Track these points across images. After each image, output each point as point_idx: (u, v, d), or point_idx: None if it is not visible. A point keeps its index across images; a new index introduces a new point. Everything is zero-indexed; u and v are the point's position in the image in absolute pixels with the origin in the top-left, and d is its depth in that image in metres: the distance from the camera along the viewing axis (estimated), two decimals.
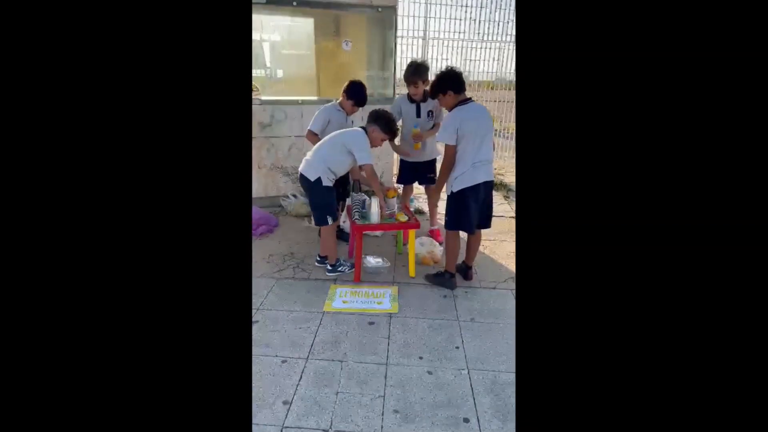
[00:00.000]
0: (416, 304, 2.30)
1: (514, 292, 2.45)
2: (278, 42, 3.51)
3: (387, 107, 3.02)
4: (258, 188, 3.70)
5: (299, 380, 1.70)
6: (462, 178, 2.25)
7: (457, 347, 1.94)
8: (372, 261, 2.66)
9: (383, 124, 2.47)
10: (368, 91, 3.14)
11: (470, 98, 2.26)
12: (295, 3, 3.28)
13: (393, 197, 2.69)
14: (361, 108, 2.84)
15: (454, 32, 4.47)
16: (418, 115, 2.86)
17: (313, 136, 2.72)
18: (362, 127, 2.48)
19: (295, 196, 3.69)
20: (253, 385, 1.63)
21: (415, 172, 3.06)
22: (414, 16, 4.19)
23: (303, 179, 2.41)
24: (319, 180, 2.38)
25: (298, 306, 2.25)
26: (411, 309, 2.25)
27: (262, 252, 2.92)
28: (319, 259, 2.72)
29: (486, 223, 2.41)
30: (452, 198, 2.31)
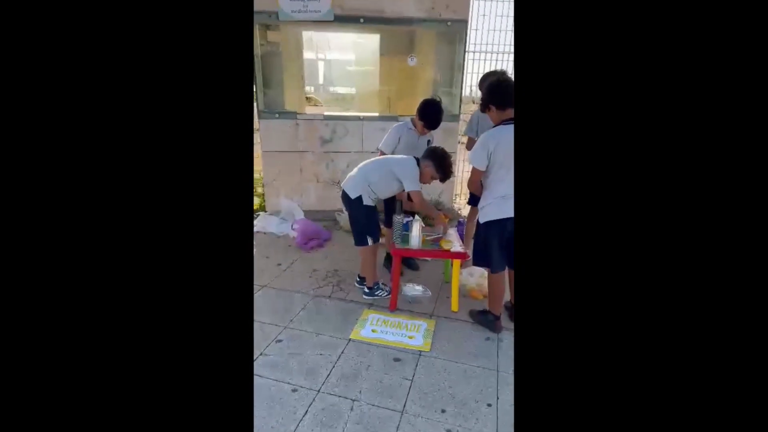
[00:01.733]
0: (452, 343, 2.05)
1: None
2: (343, 58, 3.55)
3: (455, 125, 2.85)
4: (314, 201, 3.75)
5: (304, 415, 1.58)
6: (488, 210, 1.98)
7: (490, 405, 1.66)
8: (412, 288, 2.47)
9: (438, 163, 2.27)
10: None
11: None
12: (362, 20, 3.28)
13: (445, 222, 2.48)
14: (433, 130, 2.63)
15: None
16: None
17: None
18: (416, 158, 2.34)
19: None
20: (255, 413, 1.55)
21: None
22: (485, 30, 3.96)
23: (344, 196, 2.34)
24: (359, 198, 2.28)
25: (326, 329, 2.15)
26: (445, 349, 2.01)
27: (307, 266, 2.90)
28: (358, 279, 2.61)
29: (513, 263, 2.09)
30: (478, 230, 2.06)
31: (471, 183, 2.03)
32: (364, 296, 2.48)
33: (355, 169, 2.38)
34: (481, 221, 2.01)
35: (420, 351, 1.98)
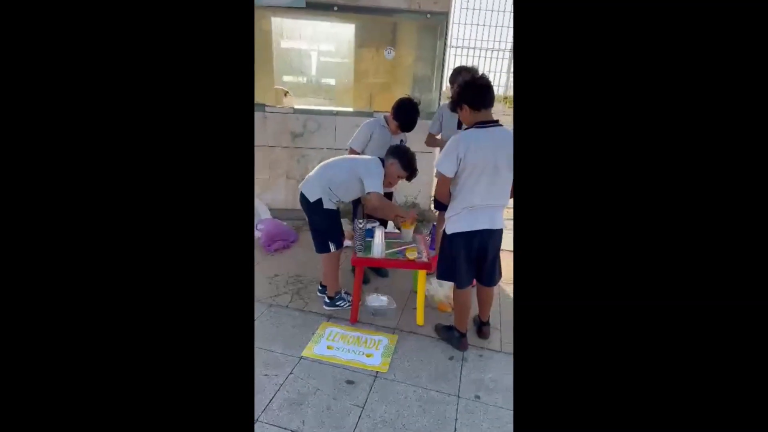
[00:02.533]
0: (413, 363, 1.89)
1: None
2: (315, 48, 3.34)
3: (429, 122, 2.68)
4: (284, 199, 3.54)
5: None
6: (455, 221, 1.81)
7: None
8: (376, 299, 2.30)
9: (403, 159, 2.12)
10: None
11: (495, 121, 1.75)
12: (336, 8, 3.07)
13: (410, 228, 2.31)
14: (406, 132, 2.47)
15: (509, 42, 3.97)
16: (459, 126, 2.43)
17: (354, 153, 2.46)
18: (381, 159, 2.17)
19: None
20: None
21: None
22: (465, 24, 3.78)
23: (302, 199, 2.15)
24: (319, 201, 2.09)
25: (277, 344, 1.97)
26: (404, 370, 1.85)
27: (268, 270, 2.71)
28: (320, 288, 2.43)
29: (487, 280, 1.94)
30: (444, 241, 1.89)
31: (438, 192, 1.85)
32: (325, 307, 2.30)
33: (315, 170, 2.19)
34: (448, 232, 1.84)
35: (376, 372, 1.82)
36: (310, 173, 2.19)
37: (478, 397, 1.71)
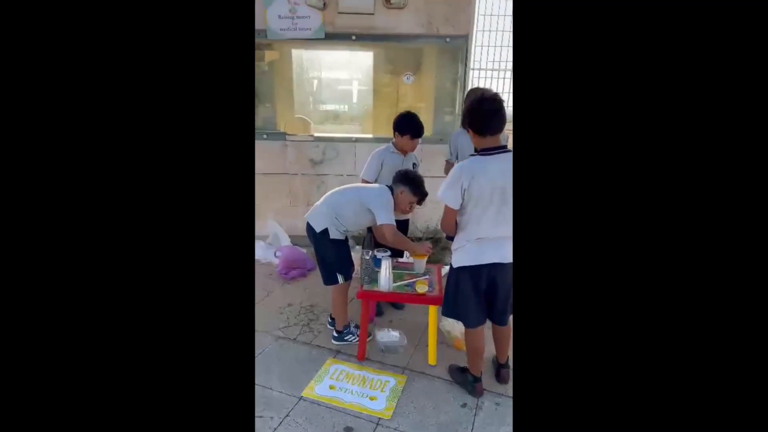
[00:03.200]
0: (420, 410, 1.73)
1: None
2: (335, 77, 3.37)
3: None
4: (304, 226, 3.52)
5: None
6: (460, 254, 1.66)
7: None
8: (387, 335, 2.16)
9: (413, 185, 2.03)
10: (435, 129, 2.71)
11: (503, 146, 1.59)
12: (354, 37, 3.10)
13: (422, 259, 2.18)
14: (420, 141, 2.40)
15: None
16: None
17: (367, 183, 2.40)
18: (389, 187, 2.08)
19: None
20: None
21: None
22: (488, 46, 3.69)
23: (308, 229, 2.09)
24: (325, 232, 2.03)
25: (278, 382, 1.87)
26: (410, 417, 1.68)
27: (281, 300, 2.66)
28: (330, 320, 2.34)
29: (499, 318, 1.76)
30: (450, 275, 1.73)
31: (445, 224, 1.70)
32: (333, 341, 2.19)
33: (322, 199, 2.13)
34: (453, 266, 1.69)
35: (378, 418, 1.67)
36: (317, 202, 2.13)
37: None
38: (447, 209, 1.63)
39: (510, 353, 1.91)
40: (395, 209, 2.04)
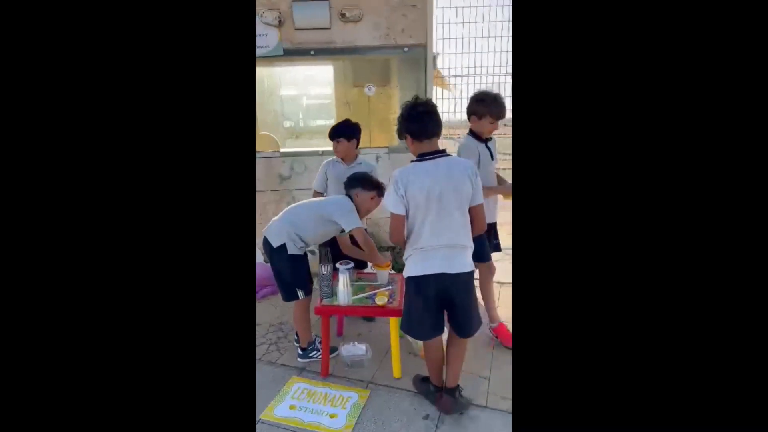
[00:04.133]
0: (380, 425, 1.69)
1: None
2: (297, 93, 3.38)
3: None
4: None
5: None
6: (408, 264, 1.63)
7: None
8: (351, 349, 2.13)
9: (362, 182, 2.08)
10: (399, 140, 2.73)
11: (442, 151, 1.57)
12: (312, 52, 3.12)
13: (384, 270, 2.16)
14: (357, 146, 2.46)
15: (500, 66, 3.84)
16: (492, 157, 2.22)
17: (319, 195, 2.46)
18: (348, 195, 2.10)
19: (313, 252, 3.38)
20: None
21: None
22: (454, 54, 3.73)
23: (265, 244, 2.06)
24: (283, 247, 2.00)
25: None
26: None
27: None
28: (296, 337, 2.30)
29: (458, 329, 1.66)
30: (405, 285, 1.70)
31: (390, 232, 1.65)
32: (298, 358, 2.15)
33: (280, 214, 2.11)
34: (404, 276, 1.67)
35: None
36: (274, 218, 2.12)
37: None
38: (392, 216, 1.61)
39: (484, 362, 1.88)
40: (361, 213, 2.06)
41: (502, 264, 2.60)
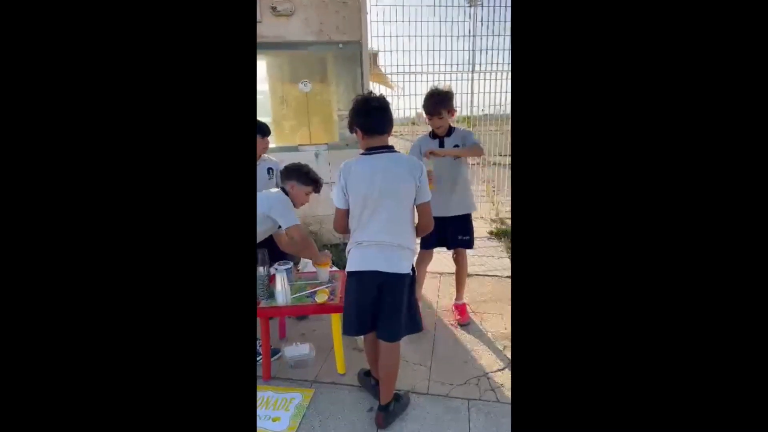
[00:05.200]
0: (325, 422, 1.68)
1: (483, 408, 1.74)
2: None
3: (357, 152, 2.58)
4: None
5: None
6: (349, 257, 1.62)
7: None
8: (294, 349, 2.09)
9: (299, 175, 2.06)
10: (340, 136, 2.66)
11: (388, 147, 1.56)
12: None
13: (324, 268, 2.14)
14: (267, 143, 2.34)
15: (447, 64, 3.99)
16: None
17: None
18: (282, 188, 2.07)
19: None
20: None
21: (441, 231, 2.18)
22: (392, 51, 3.80)
23: None
24: None
25: None
26: (313, 431, 1.63)
27: None
28: None
29: (381, 331, 1.59)
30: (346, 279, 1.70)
31: (334, 223, 1.65)
32: None
33: None
34: (345, 270, 1.67)
35: None
36: None
37: None
38: (336, 208, 1.59)
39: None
40: (295, 206, 2.03)
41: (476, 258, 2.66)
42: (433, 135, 2.26)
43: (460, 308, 2.48)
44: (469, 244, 2.35)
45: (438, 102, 2.15)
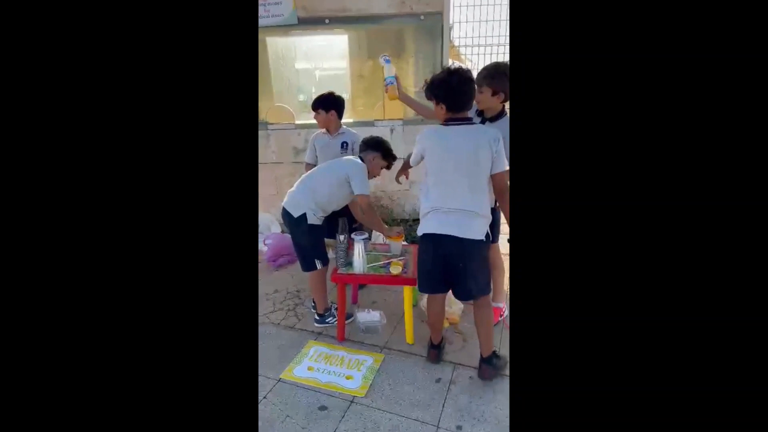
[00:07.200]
0: (395, 386, 1.77)
1: None
2: (311, 66, 3.35)
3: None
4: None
5: None
6: (423, 222, 1.70)
7: None
8: (366, 315, 2.20)
9: (383, 150, 2.15)
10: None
11: (467, 119, 1.61)
12: (327, 21, 3.06)
13: (397, 241, 2.20)
14: (340, 117, 2.48)
15: None
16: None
17: (309, 167, 2.48)
18: (360, 158, 2.14)
19: None
20: None
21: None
22: (468, 22, 3.61)
23: (285, 214, 2.11)
24: (303, 217, 2.05)
25: (260, 364, 1.93)
26: (384, 394, 1.73)
27: (269, 286, 2.71)
28: (313, 304, 2.38)
29: (458, 292, 1.72)
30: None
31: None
32: (315, 324, 2.24)
33: (297, 184, 2.15)
34: (418, 233, 1.72)
35: (353, 396, 1.71)
36: (292, 188, 2.15)
37: (459, 428, 1.55)
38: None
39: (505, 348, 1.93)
40: (369, 176, 2.11)
41: None
42: (479, 112, 1.94)
43: (496, 310, 2.23)
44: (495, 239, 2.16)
45: (482, 76, 1.83)
